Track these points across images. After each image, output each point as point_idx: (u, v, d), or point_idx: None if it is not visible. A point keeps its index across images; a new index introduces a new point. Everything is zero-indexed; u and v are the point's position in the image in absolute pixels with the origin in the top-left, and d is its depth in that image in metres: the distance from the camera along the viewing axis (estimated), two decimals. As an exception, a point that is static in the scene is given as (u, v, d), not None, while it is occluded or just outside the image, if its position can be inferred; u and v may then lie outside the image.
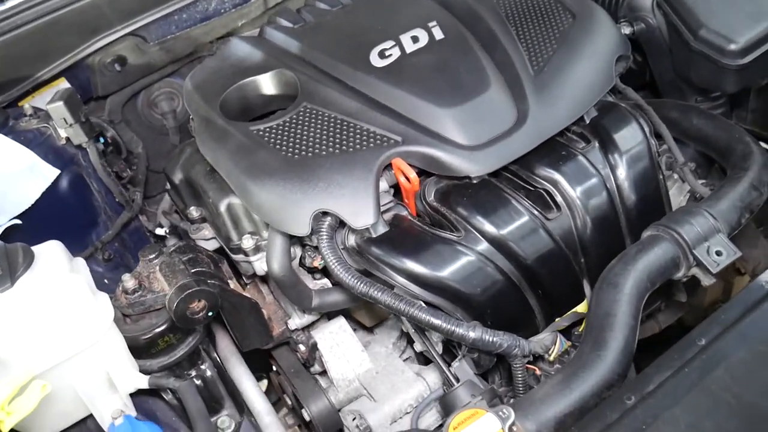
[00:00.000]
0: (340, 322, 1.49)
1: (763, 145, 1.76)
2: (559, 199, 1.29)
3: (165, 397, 1.29)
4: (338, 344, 1.45)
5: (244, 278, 1.52)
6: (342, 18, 1.57)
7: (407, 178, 1.25)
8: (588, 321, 1.10)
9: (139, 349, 1.24)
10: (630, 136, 1.36)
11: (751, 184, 1.26)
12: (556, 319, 1.24)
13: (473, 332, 1.13)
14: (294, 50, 1.50)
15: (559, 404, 0.94)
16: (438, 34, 1.44)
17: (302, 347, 1.46)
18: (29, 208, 1.50)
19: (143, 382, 1.19)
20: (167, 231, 1.66)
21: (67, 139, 1.62)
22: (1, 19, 1.64)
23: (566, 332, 1.29)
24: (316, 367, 1.53)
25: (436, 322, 1.13)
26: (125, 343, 1.20)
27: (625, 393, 0.91)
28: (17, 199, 1.50)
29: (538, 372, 1.23)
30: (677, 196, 1.45)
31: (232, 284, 1.44)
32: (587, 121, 1.39)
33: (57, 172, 1.54)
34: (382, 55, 1.41)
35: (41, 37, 1.68)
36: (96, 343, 1.13)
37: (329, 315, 1.56)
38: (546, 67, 1.37)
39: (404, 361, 1.48)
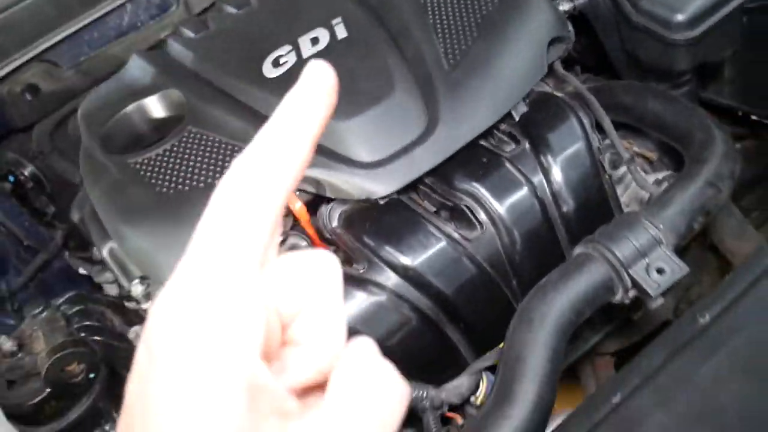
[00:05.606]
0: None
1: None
2: (482, 215, 1.10)
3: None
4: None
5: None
6: (242, 21, 1.39)
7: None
8: (499, 367, 0.92)
9: (26, 417, 1.11)
10: (566, 133, 1.16)
11: (706, 181, 1.05)
12: (477, 361, 1.05)
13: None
14: (188, 64, 1.33)
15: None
16: (341, 33, 1.26)
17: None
18: None
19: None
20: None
21: None
22: None
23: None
24: None
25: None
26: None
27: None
28: None
29: (459, 420, 1.05)
30: (634, 196, 1.25)
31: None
32: (516, 119, 1.19)
33: None
34: (276, 63, 1.23)
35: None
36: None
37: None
38: (463, 59, 1.18)
39: None
